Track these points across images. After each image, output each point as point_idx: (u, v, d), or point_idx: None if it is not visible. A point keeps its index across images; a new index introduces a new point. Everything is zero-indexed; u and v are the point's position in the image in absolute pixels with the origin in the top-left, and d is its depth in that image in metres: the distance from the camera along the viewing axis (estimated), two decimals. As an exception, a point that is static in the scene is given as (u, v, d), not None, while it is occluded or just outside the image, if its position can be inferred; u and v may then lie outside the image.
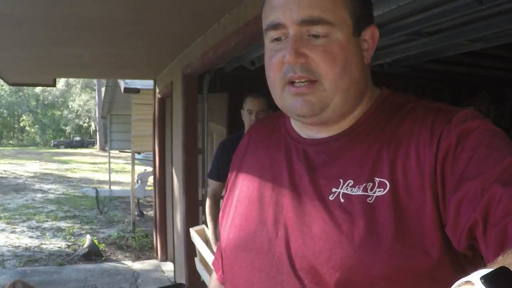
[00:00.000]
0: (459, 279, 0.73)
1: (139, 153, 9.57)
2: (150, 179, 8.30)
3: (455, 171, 0.69)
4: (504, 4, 2.14)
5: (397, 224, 0.71)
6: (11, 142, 47.82)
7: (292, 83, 0.77)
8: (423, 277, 0.70)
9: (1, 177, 16.58)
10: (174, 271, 5.29)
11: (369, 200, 0.73)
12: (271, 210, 0.82)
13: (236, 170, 0.96)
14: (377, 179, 0.74)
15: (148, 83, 6.65)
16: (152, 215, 7.34)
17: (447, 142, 0.71)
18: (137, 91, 7.11)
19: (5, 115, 45.98)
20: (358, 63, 0.79)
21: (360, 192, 0.74)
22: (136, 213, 8.46)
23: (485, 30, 2.58)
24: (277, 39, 0.78)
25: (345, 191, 0.75)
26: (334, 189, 0.76)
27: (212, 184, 3.07)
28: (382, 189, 0.73)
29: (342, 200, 0.75)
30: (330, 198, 0.76)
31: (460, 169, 0.68)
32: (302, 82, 0.76)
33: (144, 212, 9.42)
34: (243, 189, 0.90)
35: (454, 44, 2.99)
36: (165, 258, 6.08)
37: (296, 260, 0.75)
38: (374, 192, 0.73)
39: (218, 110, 4.53)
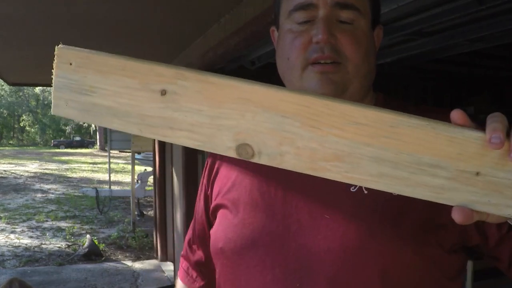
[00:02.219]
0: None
1: (139, 153, 9.57)
2: (150, 179, 8.30)
3: None
4: (504, 4, 2.15)
5: (422, 216, 0.73)
6: (11, 142, 47.82)
7: (315, 63, 0.77)
8: (443, 263, 0.75)
9: (1, 177, 16.58)
10: (174, 271, 5.29)
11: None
12: (279, 206, 0.79)
13: (223, 167, 0.91)
14: None
15: (148, 83, 6.63)
16: (152, 215, 7.34)
17: None
18: (137, 91, 7.11)
19: (5, 115, 45.99)
20: (373, 55, 0.82)
21: None
22: (136, 213, 8.46)
23: (485, 30, 2.58)
24: (305, 21, 0.78)
25: None
26: None
27: None
28: None
29: (365, 192, 0.75)
30: (352, 190, 0.76)
31: None
32: (328, 62, 0.77)
33: (144, 212, 9.42)
34: (238, 185, 0.85)
35: (454, 44, 2.99)
36: (165, 258, 6.08)
37: (318, 254, 0.74)
38: None
39: (218, 110, 4.53)
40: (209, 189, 0.93)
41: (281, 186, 0.81)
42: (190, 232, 1.03)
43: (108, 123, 0.51)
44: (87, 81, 0.49)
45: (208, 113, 0.47)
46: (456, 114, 0.50)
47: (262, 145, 0.48)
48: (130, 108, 0.49)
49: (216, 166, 0.93)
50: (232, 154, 0.49)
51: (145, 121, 0.49)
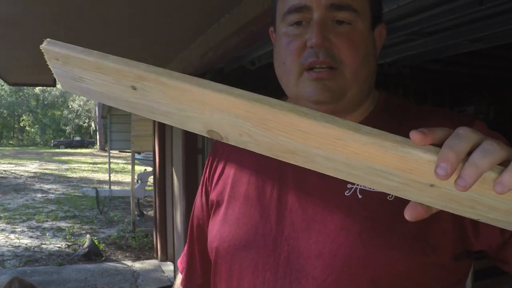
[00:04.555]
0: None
1: (139, 153, 9.57)
2: (150, 179, 8.30)
3: None
4: (504, 4, 2.14)
5: (416, 224, 0.70)
6: (11, 142, 47.82)
7: (311, 69, 0.75)
8: (444, 270, 0.72)
9: (1, 177, 16.58)
10: (174, 271, 5.29)
11: (389, 197, 0.72)
12: (273, 207, 0.78)
13: (221, 165, 0.90)
14: None
15: (148, 83, 6.64)
16: (152, 215, 7.34)
17: None
18: (137, 91, 7.11)
19: (5, 115, 46.00)
20: (374, 56, 0.79)
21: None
22: (136, 213, 8.46)
23: (485, 30, 2.58)
24: (298, 23, 0.76)
25: (363, 187, 0.73)
26: (349, 185, 0.74)
27: None
28: None
29: (360, 196, 0.73)
30: (346, 194, 0.74)
31: None
32: (323, 67, 0.74)
33: (144, 212, 9.42)
34: (235, 184, 0.85)
35: (454, 44, 2.99)
36: (165, 258, 6.08)
37: (309, 259, 0.73)
38: None
39: (218, 110, 4.53)
40: (209, 185, 0.93)
41: (276, 186, 0.80)
42: (187, 241, 1.02)
43: (105, 102, 0.56)
44: (75, 73, 0.54)
45: (175, 107, 0.51)
46: (413, 136, 0.44)
47: (226, 133, 0.51)
48: (115, 95, 0.53)
49: (215, 162, 0.92)
50: (205, 135, 0.52)
51: (131, 105, 0.54)
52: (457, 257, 0.73)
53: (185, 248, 1.02)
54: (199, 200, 0.97)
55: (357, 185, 0.74)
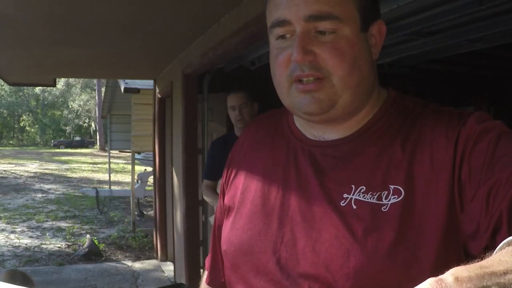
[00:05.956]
0: None
1: (139, 153, 9.57)
2: (150, 179, 8.30)
3: (476, 166, 0.68)
4: (504, 4, 2.15)
5: (412, 233, 0.70)
6: (11, 142, 47.82)
7: (299, 81, 0.75)
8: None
9: (1, 177, 16.57)
10: (174, 271, 5.29)
11: (383, 208, 0.71)
12: (276, 213, 0.79)
13: (235, 170, 0.92)
14: (392, 187, 0.72)
15: (148, 83, 6.65)
16: (152, 215, 7.34)
17: (464, 143, 0.71)
18: (137, 91, 7.12)
19: (5, 115, 45.99)
20: (367, 59, 0.77)
21: (374, 200, 0.72)
22: (136, 213, 8.45)
23: (485, 30, 2.58)
24: (283, 37, 0.76)
25: (358, 198, 0.73)
26: (345, 195, 0.74)
27: (208, 183, 3.12)
28: (396, 196, 0.72)
29: (354, 207, 0.73)
30: (342, 204, 0.74)
31: (480, 162, 0.68)
32: (310, 79, 0.74)
33: (144, 212, 9.42)
34: (245, 190, 0.87)
35: (454, 44, 2.99)
36: (165, 258, 6.08)
37: (304, 266, 0.73)
38: (389, 200, 0.72)
39: (218, 110, 4.52)
40: (226, 188, 0.95)
41: (280, 192, 0.81)
42: (212, 239, 1.03)
43: None
44: None
45: None
46: None
47: None
48: None
49: (231, 166, 0.94)
50: None
51: None
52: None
53: (210, 246, 1.04)
54: (220, 201, 0.99)
55: (353, 195, 0.74)
